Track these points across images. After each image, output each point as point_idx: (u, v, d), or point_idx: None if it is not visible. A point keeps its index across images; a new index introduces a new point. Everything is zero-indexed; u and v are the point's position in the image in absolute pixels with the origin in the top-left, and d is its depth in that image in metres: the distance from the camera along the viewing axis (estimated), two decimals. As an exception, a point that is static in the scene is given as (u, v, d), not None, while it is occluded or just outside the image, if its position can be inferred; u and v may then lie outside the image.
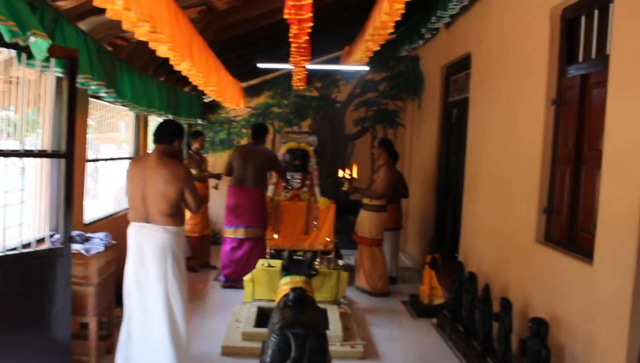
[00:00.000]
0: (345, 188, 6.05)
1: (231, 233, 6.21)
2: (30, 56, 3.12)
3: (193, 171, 6.83)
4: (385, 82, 8.90)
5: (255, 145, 6.41)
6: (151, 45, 3.20)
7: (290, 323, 2.76)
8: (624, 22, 3.10)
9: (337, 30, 7.22)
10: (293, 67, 6.16)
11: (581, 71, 3.76)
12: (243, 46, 6.76)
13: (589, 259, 3.36)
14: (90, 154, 5.47)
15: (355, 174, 6.03)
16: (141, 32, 2.81)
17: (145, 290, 3.63)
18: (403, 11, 3.70)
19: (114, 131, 6.50)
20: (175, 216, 3.64)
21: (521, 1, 4.55)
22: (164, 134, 3.69)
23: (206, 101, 8.45)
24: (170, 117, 6.35)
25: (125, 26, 2.70)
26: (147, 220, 3.62)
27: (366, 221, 6.19)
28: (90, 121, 5.27)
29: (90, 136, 5.36)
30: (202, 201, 3.75)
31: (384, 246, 6.59)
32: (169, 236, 3.60)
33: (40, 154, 3.48)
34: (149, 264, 3.60)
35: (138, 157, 3.83)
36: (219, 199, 7.87)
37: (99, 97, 4.92)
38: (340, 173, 6.13)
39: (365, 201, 6.22)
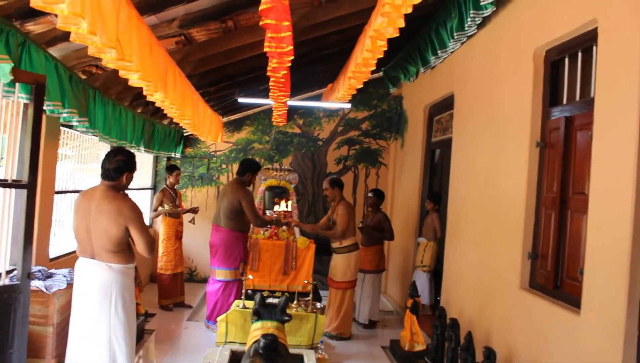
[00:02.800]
0: (283, 221, 6.05)
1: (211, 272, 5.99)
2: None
3: (166, 207, 6.61)
4: (367, 121, 8.86)
5: (234, 181, 6.03)
6: (121, 73, 3.06)
7: (259, 374, 2.55)
8: (608, 64, 3.05)
9: (319, 67, 7.19)
10: (273, 103, 6.06)
11: (565, 113, 3.70)
12: (222, 79, 6.65)
13: (576, 307, 3.20)
14: (69, 186, 5.26)
15: (289, 208, 6.14)
16: (108, 59, 2.67)
17: (87, 330, 3.34)
18: (385, 48, 3.63)
19: (95, 162, 6.29)
20: (120, 252, 3.38)
21: (504, 42, 4.52)
22: (108, 171, 3.40)
23: (185, 134, 8.31)
24: (141, 149, 6.15)
25: (91, 52, 2.56)
26: (92, 256, 3.38)
27: (339, 265, 5.98)
28: (68, 151, 5.09)
29: (69, 167, 5.17)
30: (153, 241, 3.48)
31: (366, 289, 6.40)
32: (113, 274, 3.34)
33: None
34: (91, 303, 3.33)
35: (87, 189, 3.58)
36: (193, 236, 7.63)
37: (70, 126, 4.75)
38: (276, 208, 6.16)
39: (335, 244, 6.03)
